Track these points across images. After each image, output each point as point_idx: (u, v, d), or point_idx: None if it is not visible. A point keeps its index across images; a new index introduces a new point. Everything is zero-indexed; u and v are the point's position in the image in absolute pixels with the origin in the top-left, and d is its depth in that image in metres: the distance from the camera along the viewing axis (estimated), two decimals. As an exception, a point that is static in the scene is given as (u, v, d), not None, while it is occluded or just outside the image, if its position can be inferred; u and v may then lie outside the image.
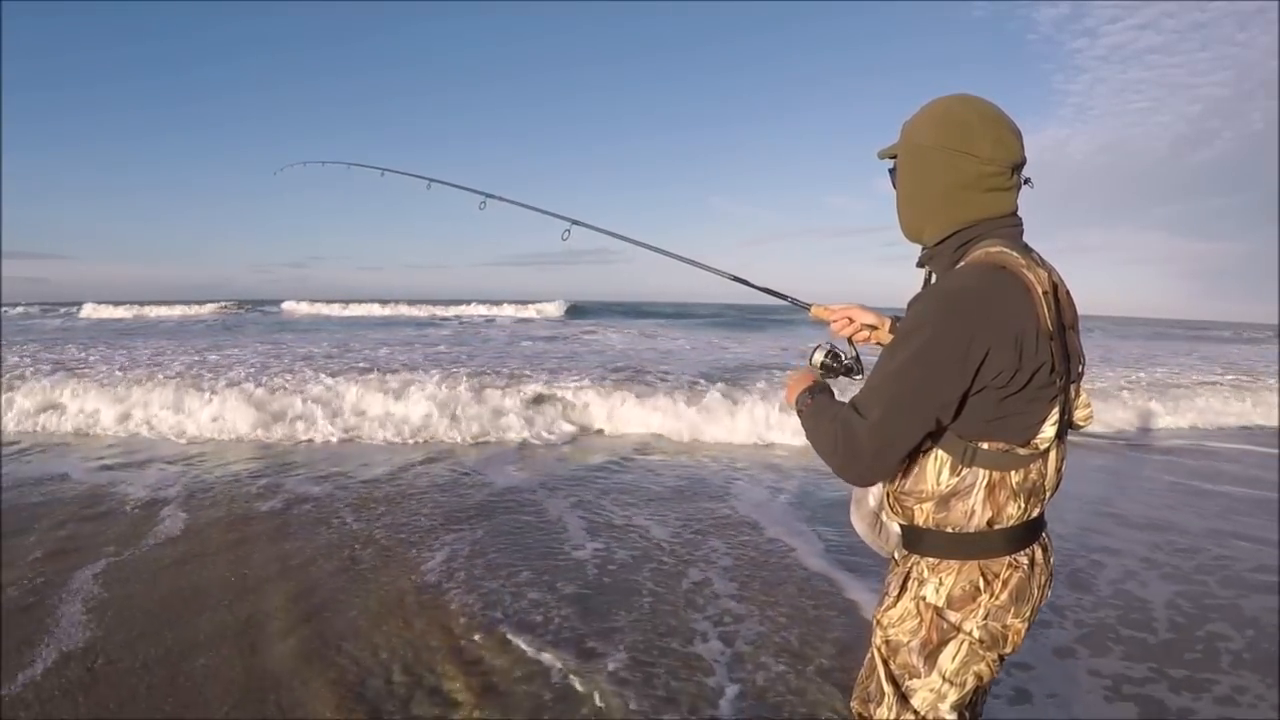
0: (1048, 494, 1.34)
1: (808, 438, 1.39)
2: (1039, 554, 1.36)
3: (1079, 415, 1.38)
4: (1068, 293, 1.34)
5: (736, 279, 1.92)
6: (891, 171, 1.43)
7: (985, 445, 1.25)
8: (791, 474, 6.04)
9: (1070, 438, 1.40)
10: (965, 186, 1.30)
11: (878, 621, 1.41)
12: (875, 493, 1.46)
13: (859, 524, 1.51)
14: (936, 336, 1.19)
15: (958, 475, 1.28)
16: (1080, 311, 1.38)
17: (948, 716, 1.35)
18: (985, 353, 1.18)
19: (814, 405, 1.41)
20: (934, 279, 1.40)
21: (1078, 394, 1.36)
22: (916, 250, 1.44)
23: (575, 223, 2.34)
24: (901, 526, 1.39)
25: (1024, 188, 1.34)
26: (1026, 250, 1.30)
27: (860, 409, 1.25)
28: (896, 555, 1.44)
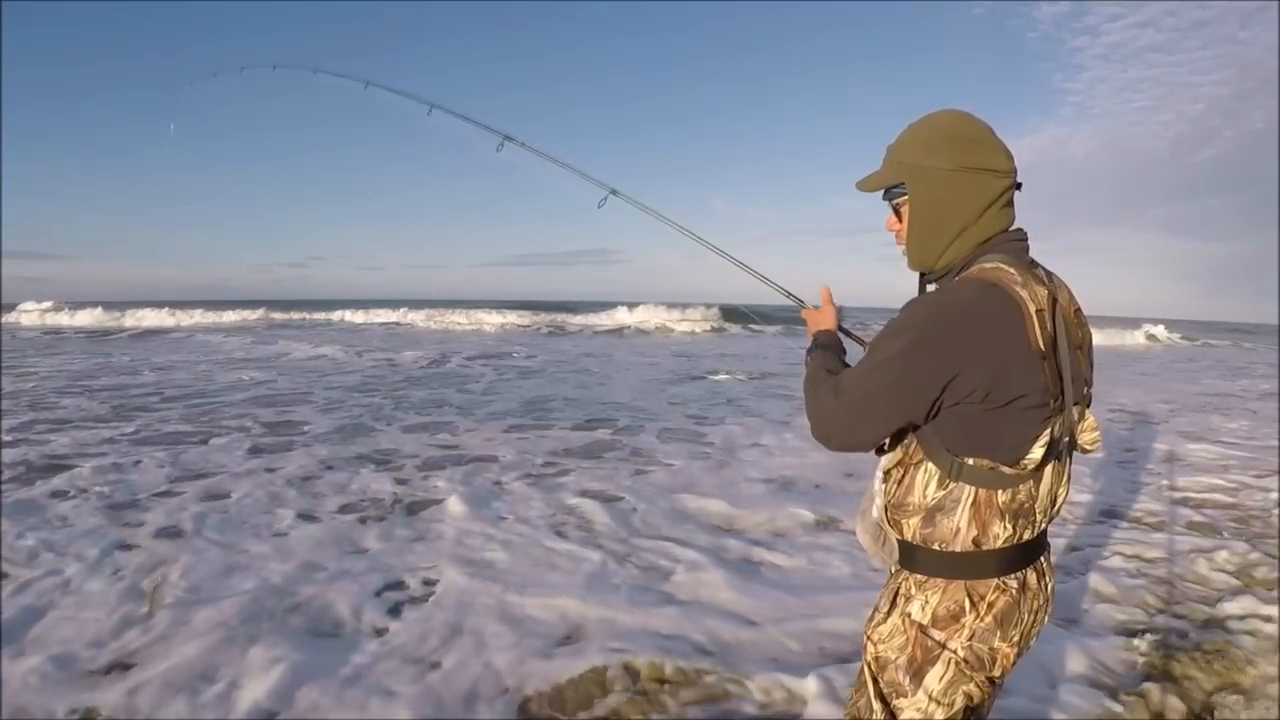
0: (1039, 518, 1.31)
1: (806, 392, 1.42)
2: (1032, 578, 1.34)
3: (1085, 439, 1.35)
4: (1077, 310, 1.32)
5: (790, 295, 1.85)
6: (896, 203, 1.37)
7: (970, 461, 1.25)
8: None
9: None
10: (990, 204, 1.29)
11: (868, 637, 1.40)
12: (879, 504, 1.44)
13: (863, 536, 1.51)
14: (913, 344, 1.21)
15: (944, 489, 1.28)
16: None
17: None
18: (955, 373, 1.19)
19: (812, 365, 1.46)
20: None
21: (1083, 417, 1.32)
22: None
23: (614, 193, 2.11)
24: (897, 541, 1.38)
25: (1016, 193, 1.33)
26: (1030, 266, 1.28)
27: (838, 390, 1.30)
28: (893, 568, 1.43)
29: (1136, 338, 29.95)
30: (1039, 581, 1.35)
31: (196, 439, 6.76)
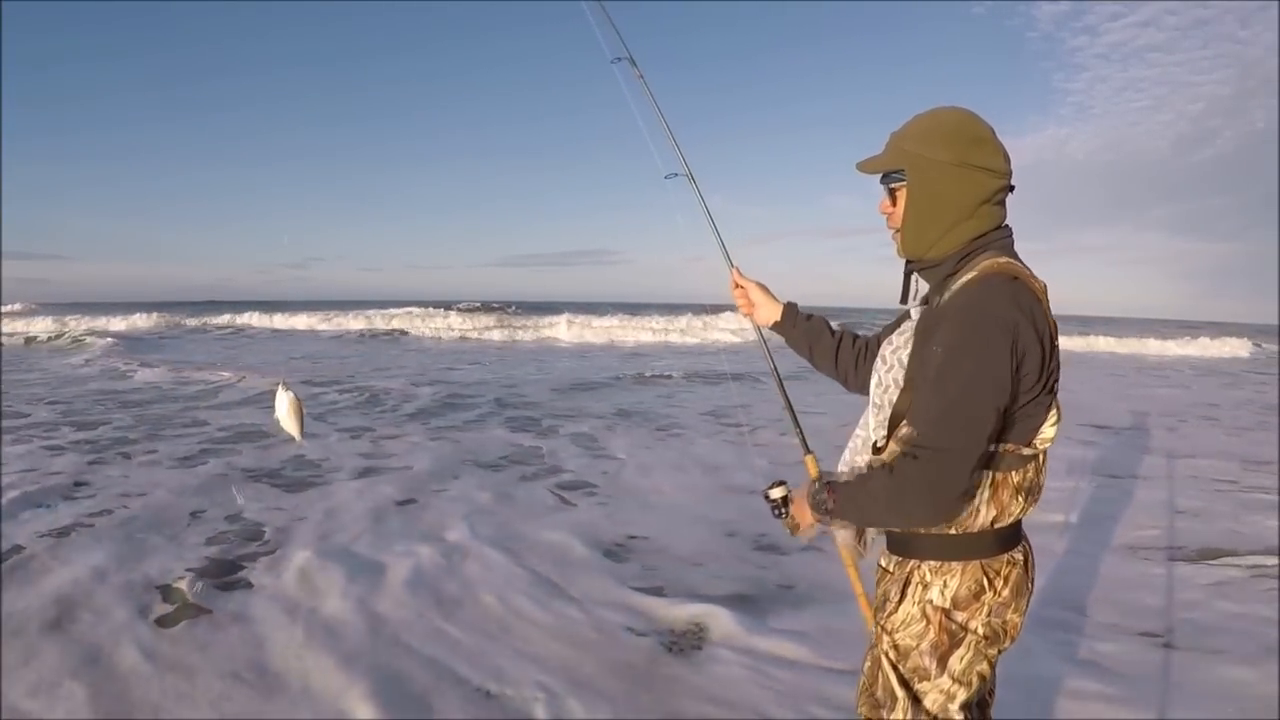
0: (1039, 492, 1.38)
1: (864, 522, 1.41)
2: (1028, 548, 1.42)
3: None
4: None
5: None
6: (892, 187, 1.41)
7: (992, 448, 1.29)
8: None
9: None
10: (984, 201, 1.34)
11: (882, 627, 1.42)
12: None
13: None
14: (989, 354, 1.23)
15: None
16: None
17: (956, 717, 1.37)
18: (1022, 361, 1.24)
19: (842, 497, 1.37)
20: (921, 286, 1.43)
21: None
22: None
23: (691, 177, 1.95)
24: (899, 532, 1.42)
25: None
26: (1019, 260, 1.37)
27: (933, 444, 1.24)
28: (883, 561, 1.47)
29: (1239, 347, 26.79)
30: (1027, 548, 1.44)
31: None
